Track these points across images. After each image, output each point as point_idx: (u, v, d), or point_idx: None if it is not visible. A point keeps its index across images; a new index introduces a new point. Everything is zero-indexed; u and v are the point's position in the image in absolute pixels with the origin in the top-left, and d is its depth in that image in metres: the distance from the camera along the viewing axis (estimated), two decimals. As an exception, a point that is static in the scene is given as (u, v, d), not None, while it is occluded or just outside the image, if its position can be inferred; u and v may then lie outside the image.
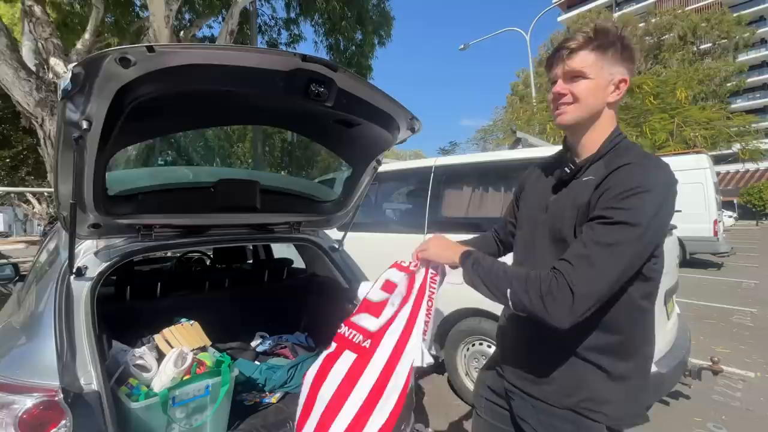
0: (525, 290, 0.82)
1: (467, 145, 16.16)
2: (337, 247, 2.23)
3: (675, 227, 2.91)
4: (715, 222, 7.70)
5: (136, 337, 1.61)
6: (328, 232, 2.29)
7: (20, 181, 14.34)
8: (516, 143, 2.74)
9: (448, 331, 2.82)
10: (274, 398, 1.74)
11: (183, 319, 1.75)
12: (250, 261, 3.12)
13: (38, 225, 21.38)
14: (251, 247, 3.16)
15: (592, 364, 0.89)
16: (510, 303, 0.84)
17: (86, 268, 1.42)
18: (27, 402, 1.04)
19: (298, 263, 2.71)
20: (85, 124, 1.06)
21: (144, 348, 1.49)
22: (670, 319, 2.64)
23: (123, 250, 1.52)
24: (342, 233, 2.20)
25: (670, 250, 2.76)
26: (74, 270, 1.38)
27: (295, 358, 1.97)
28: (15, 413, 1.03)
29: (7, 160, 13.29)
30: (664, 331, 2.52)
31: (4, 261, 3.05)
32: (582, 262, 0.79)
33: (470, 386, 2.73)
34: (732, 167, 25.78)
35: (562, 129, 1.01)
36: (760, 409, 2.76)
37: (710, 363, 2.59)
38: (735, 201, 26.45)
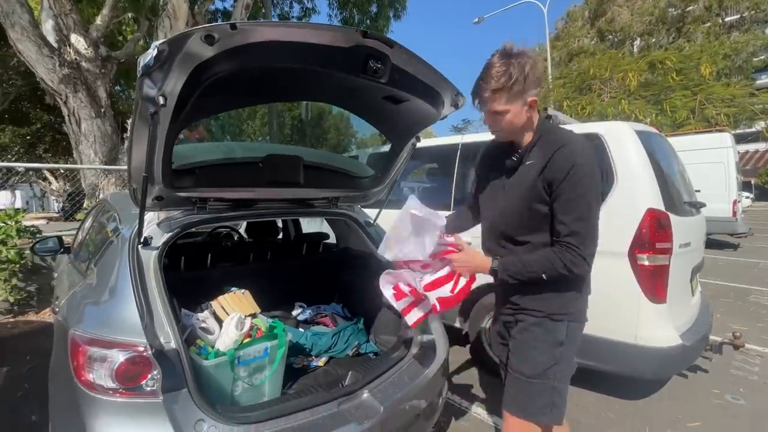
0: (554, 269, 1.14)
1: (480, 123, 15.86)
2: (372, 222, 2.30)
3: (704, 205, 2.91)
4: (735, 202, 7.60)
5: (194, 304, 1.72)
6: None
7: (37, 158, 14.60)
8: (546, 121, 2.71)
9: (472, 305, 2.91)
10: (321, 362, 1.85)
11: (234, 288, 1.85)
12: (279, 236, 3.23)
13: (55, 202, 21.83)
14: (280, 223, 3.25)
15: (561, 290, 1.23)
16: (546, 279, 1.16)
17: (151, 238, 1.51)
18: (120, 356, 1.15)
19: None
20: (161, 100, 1.11)
21: (206, 312, 1.59)
22: (694, 295, 2.70)
23: (182, 221, 1.61)
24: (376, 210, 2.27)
25: (698, 228, 2.78)
26: (142, 240, 1.47)
27: (336, 327, 2.08)
28: (111, 366, 1.14)
29: (27, 137, 13.48)
30: (689, 306, 2.59)
31: (49, 234, 3.19)
32: (577, 237, 1.11)
33: (494, 357, 2.82)
34: (751, 146, 25.08)
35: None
36: (778, 384, 2.84)
37: (732, 338, 2.66)
38: (752, 181, 25.86)
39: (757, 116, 10.70)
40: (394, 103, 1.62)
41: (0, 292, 4.00)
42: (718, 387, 2.77)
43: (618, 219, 2.23)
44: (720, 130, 7.99)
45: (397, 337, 2.01)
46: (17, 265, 4.02)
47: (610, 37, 18.56)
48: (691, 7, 15.36)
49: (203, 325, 1.53)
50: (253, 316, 1.78)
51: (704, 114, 10.13)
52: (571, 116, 9.76)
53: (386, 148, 2.58)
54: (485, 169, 1.43)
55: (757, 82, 15.53)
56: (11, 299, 3.99)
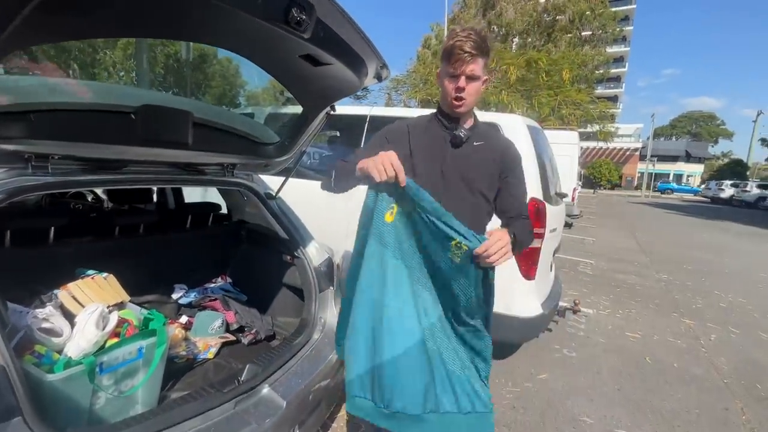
0: (530, 236, 1.26)
1: (379, 93, 15.90)
2: (273, 194, 2.06)
3: (566, 195, 3.44)
4: (574, 190, 9.34)
5: (30, 295, 1.29)
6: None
7: None
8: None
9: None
10: (210, 353, 1.62)
11: (91, 271, 1.46)
12: (151, 204, 2.69)
13: None
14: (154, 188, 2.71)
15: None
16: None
17: (-50, 207, 1.05)
18: None
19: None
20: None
21: (49, 308, 1.20)
22: (552, 270, 3.21)
23: (7, 185, 1.15)
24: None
25: (561, 215, 3.28)
26: (-67, 209, 1.01)
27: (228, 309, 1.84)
28: None
29: None
30: (547, 280, 3.07)
31: None
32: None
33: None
34: (583, 144, 31.20)
35: (456, 116, 1.28)
36: (595, 337, 3.64)
37: (573, 305, 3.28)
38: (581, 172, 32.47)
39: (594, 120, 13.15)
40: (313, 64, 1.41)
41: None
42: (558, 343, 3.42)
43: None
44: (571, 129, 9.58)
45: (299, 320, 1.89)
46: None
47: (496, 29, 20.21)
48: (560, 17, 17.63)
49: (45, 324, 1.15)
50: (120, 306, 1.44)
51: (560, 113, 11.99)
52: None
53: (289, 109, 2.31)
54: (414, 143, 1.32)
55: (596, 91, 18.98)
56: None
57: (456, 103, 1.22)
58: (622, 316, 4.27)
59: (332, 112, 1.80)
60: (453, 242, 1.08)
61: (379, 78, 1.57)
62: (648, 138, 40.16)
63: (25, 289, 1.31)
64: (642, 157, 40.90)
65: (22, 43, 0.92)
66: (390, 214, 1.11)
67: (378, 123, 3.08)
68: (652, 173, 39.36)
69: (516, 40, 19.44)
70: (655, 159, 39.37)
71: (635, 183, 41.86)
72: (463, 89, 1.19)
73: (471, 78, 1.18)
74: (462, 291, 1.13)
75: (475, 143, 1.30)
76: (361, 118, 3.15)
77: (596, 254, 7.25)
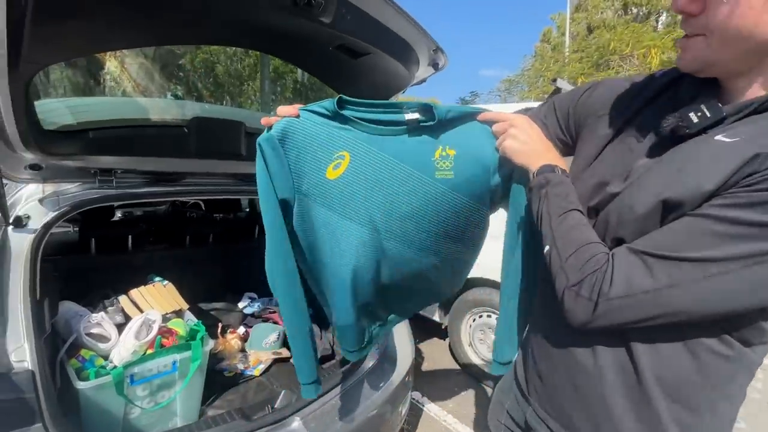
0: (561, 266, 0.59)
1: (489, 96, 15.05)
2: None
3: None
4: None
5: (100, 299, 1.41)
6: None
7: None
8: (555, 94, 2.32)
9: (453, 299, 2.63)
10: (257, 371, 1.57)
11: (157, 278, 1.54)
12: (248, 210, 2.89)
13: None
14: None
15: (662, 407, 0.59)
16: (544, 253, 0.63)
17: (28, 217, 1.18)
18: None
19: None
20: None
21: (101, 313, 1.28)
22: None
23: (76, 198, 1.27)
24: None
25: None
26: (10, 219, 1.14)
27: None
28: None
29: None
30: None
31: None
32: (660, 270, 0.50)
33: (473, 358, 2.56)
34: None
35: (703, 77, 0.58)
36: (780, 403, 2.58)
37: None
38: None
39: None
40: (352, 56, 1.23)
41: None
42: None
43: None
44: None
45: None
46: None
47: (635, 10, 17.42)
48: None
49: (95, 329, 1.22)
50: (178, 313, 1.48)
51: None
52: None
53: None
54: (598, 128, 0.70)
55: None
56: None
57: (677, 45, 0.58)
58: (831, 376, 2.98)
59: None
60: (436, 153, 0.78)
61: (435, 66, 1.32)
62: None
63: (100, 293, 1.44)
64: None
65: (43, 59, 0.96)
66: (334, 167, 0.76)
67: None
68: None
69: (663, 18, 16.39)
70: None
71: None
72: (685, 13, 0.54)
73: None
74: (471, 210, 0.85)
75: (721, 137, 0.53)
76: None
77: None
